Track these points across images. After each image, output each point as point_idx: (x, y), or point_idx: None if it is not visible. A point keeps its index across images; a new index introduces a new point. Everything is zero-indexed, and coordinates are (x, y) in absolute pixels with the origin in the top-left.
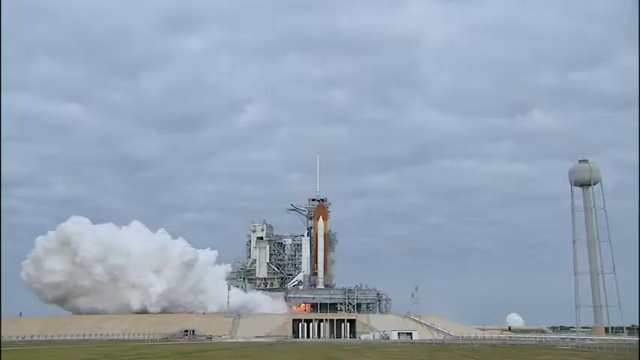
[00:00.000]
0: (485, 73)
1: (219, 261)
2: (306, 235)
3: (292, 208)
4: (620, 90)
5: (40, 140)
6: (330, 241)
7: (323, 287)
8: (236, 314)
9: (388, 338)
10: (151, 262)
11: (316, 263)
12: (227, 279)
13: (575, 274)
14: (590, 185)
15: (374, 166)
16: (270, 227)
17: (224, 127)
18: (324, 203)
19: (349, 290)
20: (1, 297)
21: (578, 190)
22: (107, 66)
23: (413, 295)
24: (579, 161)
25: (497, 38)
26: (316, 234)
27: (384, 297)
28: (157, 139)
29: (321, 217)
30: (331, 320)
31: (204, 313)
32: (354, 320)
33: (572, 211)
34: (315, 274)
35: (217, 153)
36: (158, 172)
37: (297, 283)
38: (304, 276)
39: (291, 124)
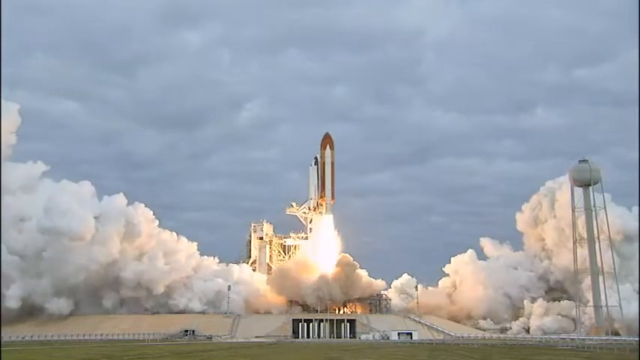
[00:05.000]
0: (488, 69)
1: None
2: (313, 164)
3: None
4: (626, 87)
5: (38, 138)
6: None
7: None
8: (236, 314)
9: (388, 338)
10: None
11: (323, 191)
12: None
13: (575, 274)
14: (590, 185)
15: (375, 164)
16: (270, 227)
17: (223, 125)
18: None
19: None
20: (0, 298)
21: (578, 189)
22: (105, 63)
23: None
24: (579, 161)
25: (500, 34)
26: (323, 162)
27: (384, 297)
28: (155, 137)
29: (327, 146)
30: (331, 320)
31: (203, 314)
32: (354, 320)
33: (572, 211)
34: (323, 197)
35: (217, 151)
36: (157, 170)
37: None
38: None
39: (291, 121)
